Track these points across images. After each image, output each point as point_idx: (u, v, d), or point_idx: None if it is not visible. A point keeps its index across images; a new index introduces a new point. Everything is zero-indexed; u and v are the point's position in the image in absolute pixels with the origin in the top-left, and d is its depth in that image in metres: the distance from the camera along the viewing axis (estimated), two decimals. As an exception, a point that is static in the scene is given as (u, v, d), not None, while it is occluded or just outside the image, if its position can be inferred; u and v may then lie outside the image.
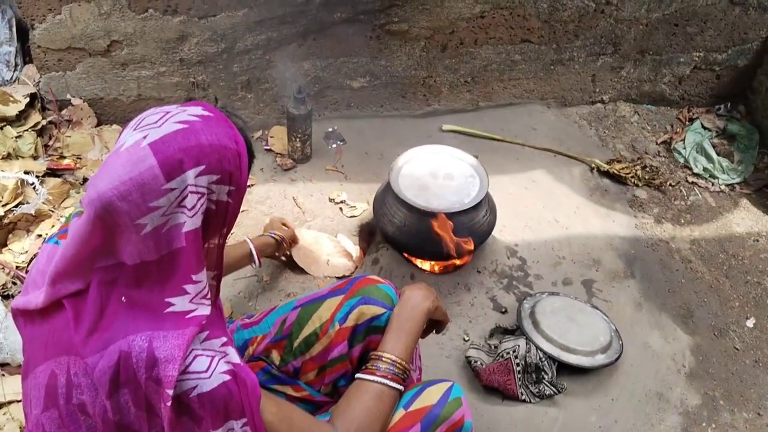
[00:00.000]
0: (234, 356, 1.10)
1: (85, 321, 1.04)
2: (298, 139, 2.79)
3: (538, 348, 2.09)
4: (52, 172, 2.70)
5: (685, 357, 2.25)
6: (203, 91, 2.92)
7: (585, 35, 3.03)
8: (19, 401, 1.94)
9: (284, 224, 2.35)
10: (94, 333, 1.03)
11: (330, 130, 3.03)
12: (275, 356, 1.55)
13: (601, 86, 3.24)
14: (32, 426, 1.12)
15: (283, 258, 2.37)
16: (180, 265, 1.04)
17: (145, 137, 1.00)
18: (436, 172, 2.33)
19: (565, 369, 2.10)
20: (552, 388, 2.05)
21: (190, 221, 1.02)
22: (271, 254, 2.25)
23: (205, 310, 1.08)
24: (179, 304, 1.05)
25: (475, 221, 2.24)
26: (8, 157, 2.60)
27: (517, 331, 2.21)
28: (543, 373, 2.06)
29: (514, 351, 2.08)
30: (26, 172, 2.57)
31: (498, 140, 3.07)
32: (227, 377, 1.05)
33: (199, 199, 1.02)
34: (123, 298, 1.05)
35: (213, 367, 1.05)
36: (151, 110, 1.08)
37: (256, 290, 2.38)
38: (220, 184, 1.04)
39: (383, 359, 1.35)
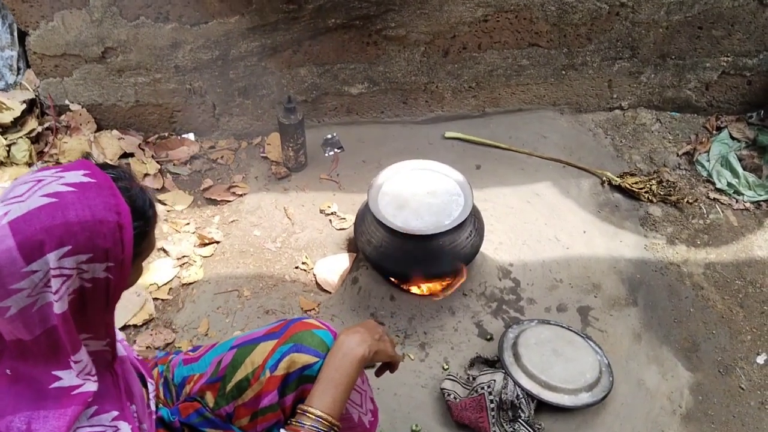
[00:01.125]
0: (126, 431, 1.04)
1: None
2: (290, 148, 2.71)
3: (516, 384, 1.96)
4: (46, 179, 2.69)
5: (682, 396, 2.07)
6: (200, 98, 2.87)
7: (599, 39, 2.82)
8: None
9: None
10: None
11: (328, 137, 2.93)
12: (209, 398, 1.48)
13: (618, 92, 3.03)
14: None
15: None
16: (60, 341, 0.97)
17: (6, 213, 0.92)
18: (418, 190, 2.20)
19: (548, 407, 1.96)
20: (528, 428, 1.91)
21: (57, 305, 0.94)
22: None
23: (91, 387, 1.01)
24: (67, 378, 0.99)
25: (457, 243, 2.11)
26: (1, 164, 2.61)
27: (497, 362, 2.07)
28: (519, 411, 1.92)
29: (489, 386, 1.95)
30: (18, 180, 2.58)
31: (503, 149, 2.91)
32: None
33: (64, 282, 0.94)
34: (8, 370, 0.99)
35: None
36: (24, 177, 0.99)
37: (235, 306, 2.32)
38: (92, 263, 0.96)
39: (308, 415, 1.25)
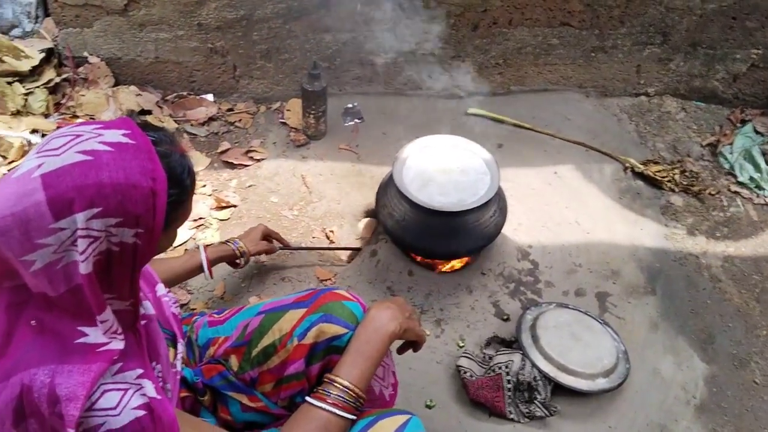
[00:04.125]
0: (150, 390, 1.02)
1: None
2: (311, 116, 2.67)
3: (533, 365, 1.95)
4: (62, 132, 2.65)
5: (697, 387, 2.07)
6: (222, 58, 2.82)
7: (631, 22, 2.78)
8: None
9: (268, 237, 2.13)
10: None
11: (349, 106, 2.89)
12: (234, 362, 1.47)
13: (646, 78, 2.99)
14: None
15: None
16: (84, 301, 0.95)
17: (39, 166, 0.89)
18: (444, 166, 2.17)
19: (563, 390, 1.95)
20: (543, 409, 1.91)
21: (82, 265, 0.91)
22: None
23: (118, 345, 1.00)
24: (92, 335, 0.97)
25: (480, 222, 2.09)
26: (18, 113, 2.56)
27: (514, 343, 2.06)
28: (536, 392, 1.92)
29: (506, 366, 1.94)
30: (35, 131, 2.53)
31: (526, 128, 2.87)
32: (141, 412, 0.98)
33: (90, 243, 0.91)
34: (33, 321, 0.97)
35: (124, 402, 0.97)
36: (63, 129, 0.96)
37: (252, 271, 2.30)
38: (122, 227, 0.92)
39: (335, 384, 1.24)
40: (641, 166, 2.70)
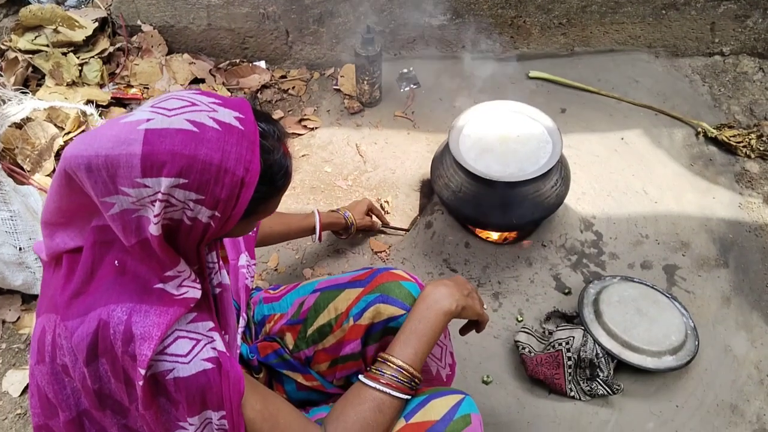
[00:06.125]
0: (220, 344, 1.03)
1: (74, 281, 1.00)
2: (366, 82, 2.60)
3: (596, 342, 1.87)
4: (117, 101, 2.66)
5: (772, 366, 1.96)
6: (274, 23, 2.76)
7: (706, -24, 2.59)
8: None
9: (371, 212, 2.20)
10: (80, 295, 0.99)
11: (404, 71, 2.80)
12: (289, 340, 1.47)
13: (721, 36, 2.79)
14: (30, 373, 1.11)
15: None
16: (156, 255, 0.96)
17: (148, 120, 0.91)
18: (503, 134, 2.07)
19: (627, 366, 1.87)
20: (606, 388, 1.84)
21: (153, 226, 0.92)
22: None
23: (195, 293, 1.02)
24: (170, 283, 0.99)
25: (540, 192, 1.99)
26: (73, 84, 2.57)
27: (576, 318, 1.98)
28: (598, 370, 1.85)
29: (567, 343, 1.88)
30: (90, 101, 2.54)
31: (591, 92, 2.74)
32: (209, 365, 1.00)
33: (165, 207, 0.91)
34: (116, 261, 0.99)
35: (195, 352, 1.00)
36: (185, 92, 0.97)
37: (305, 243, 2.28)
38: (200, 205, 0.93)
39: (388, 364, 1.21)
40: (714, 131, 2.53)
